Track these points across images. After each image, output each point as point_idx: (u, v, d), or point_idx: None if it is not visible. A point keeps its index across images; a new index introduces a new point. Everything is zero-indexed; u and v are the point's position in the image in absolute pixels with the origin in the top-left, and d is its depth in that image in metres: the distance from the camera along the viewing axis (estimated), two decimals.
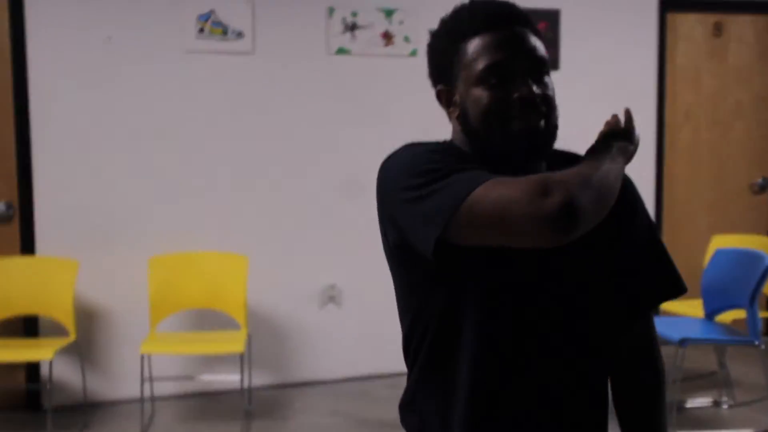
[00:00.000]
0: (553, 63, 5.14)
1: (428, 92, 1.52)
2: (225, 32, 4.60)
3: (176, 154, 4.66)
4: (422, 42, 1.59)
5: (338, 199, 4.83)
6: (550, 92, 1.40)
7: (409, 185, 1.33)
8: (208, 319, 4.66)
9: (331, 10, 4.77)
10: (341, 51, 4.83)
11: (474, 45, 1.40)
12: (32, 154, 4.41)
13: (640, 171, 1.99)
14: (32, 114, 4.39)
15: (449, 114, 1.47)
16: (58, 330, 4.36)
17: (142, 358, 4.17)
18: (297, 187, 4.83)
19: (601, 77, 5.26)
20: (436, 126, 1.75)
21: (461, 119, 1.43)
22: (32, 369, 4.55)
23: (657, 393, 1.55)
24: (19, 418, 4.47)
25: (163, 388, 4.59)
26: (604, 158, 1.36)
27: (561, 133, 1.43)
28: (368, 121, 4.88)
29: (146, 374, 4.27)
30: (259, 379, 4.66)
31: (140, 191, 4.61)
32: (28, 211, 4.45)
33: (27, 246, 4.46)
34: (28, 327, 4.52)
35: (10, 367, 4.53)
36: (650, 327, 1.57)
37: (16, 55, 4.37)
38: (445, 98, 1.47)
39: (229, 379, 4.44)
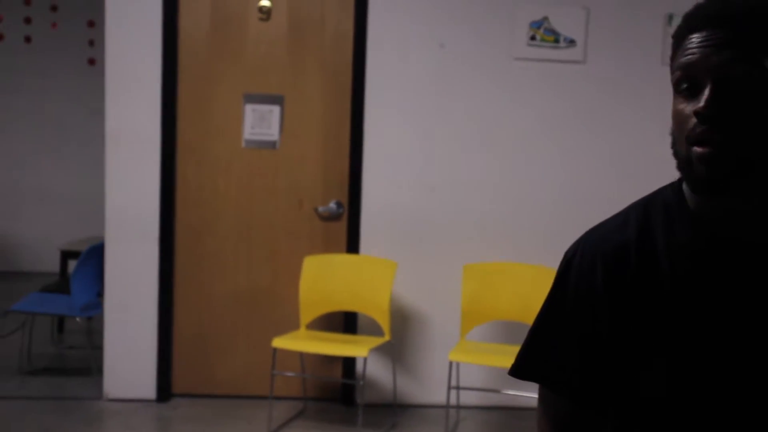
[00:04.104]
0: None
1: None
2: (557, 40, 4.49)
3: (500, 162, 4.62)
4: None
5: None
6: (738, 104, 1.06)
7: None
8: (520, 331, 4.52)
9: (670, 18, 4.48)
10: None
11: (685, 42, 1.11)
12: (363, 156, 4.60)
13: None
14: (366, 117, 4.58)
15: None
16: (373, 328, 4.48)
17: (450, 365, 4.14)
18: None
19: None
20: None
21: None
22: (348, 364, 4.72)
23: None
24: (334, 410, 4.65)
25: (469, 397, 4.53)
26: None
27: None
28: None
29: (453, 382, 4.24)
30: None
31: (461, 197, 4.62)
32: (356, 211, 4.64)
33: (352, 244, 4.65)
34: (347, 323, 4.70)
35: (329, 361, 4.74)
36: None
37: (356, 60, 4.59)
38: None
39: (534, 395, 4.25)
